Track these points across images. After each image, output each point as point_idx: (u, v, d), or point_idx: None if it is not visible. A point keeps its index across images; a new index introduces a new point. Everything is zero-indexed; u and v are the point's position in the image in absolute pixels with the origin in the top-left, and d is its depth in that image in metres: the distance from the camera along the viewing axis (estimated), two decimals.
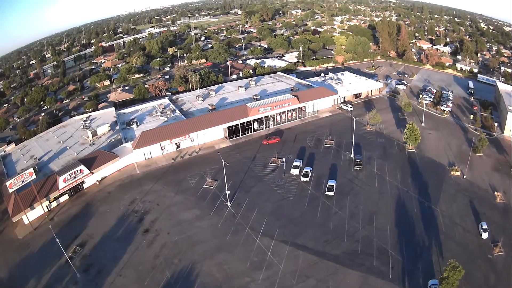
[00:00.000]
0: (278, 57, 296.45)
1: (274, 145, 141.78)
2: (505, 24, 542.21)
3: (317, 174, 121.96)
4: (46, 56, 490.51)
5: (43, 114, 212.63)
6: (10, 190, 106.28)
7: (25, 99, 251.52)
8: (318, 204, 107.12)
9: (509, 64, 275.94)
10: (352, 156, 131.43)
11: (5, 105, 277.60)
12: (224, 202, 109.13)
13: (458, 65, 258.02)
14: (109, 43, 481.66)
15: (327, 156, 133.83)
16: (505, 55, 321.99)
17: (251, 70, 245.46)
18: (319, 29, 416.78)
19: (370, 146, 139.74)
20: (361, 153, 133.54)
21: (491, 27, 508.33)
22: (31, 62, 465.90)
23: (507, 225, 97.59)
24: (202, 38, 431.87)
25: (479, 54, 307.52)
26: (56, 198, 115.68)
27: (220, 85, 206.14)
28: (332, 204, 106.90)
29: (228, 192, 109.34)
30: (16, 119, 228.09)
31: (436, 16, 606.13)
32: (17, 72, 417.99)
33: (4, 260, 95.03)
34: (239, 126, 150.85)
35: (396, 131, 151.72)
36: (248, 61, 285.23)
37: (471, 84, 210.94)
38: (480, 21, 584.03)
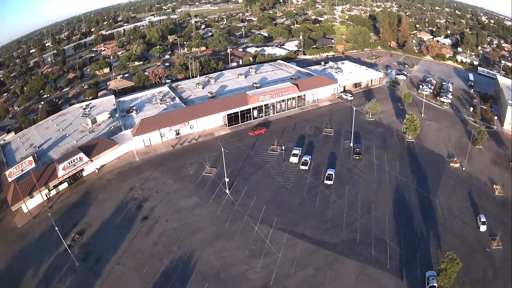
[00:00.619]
0: (278, 46, 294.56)
1: (273, 133, 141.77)
2: (506, 18, 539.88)
3: (316, 162, 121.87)
4: (46, 45, 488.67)
5: (42, 102, 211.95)
6: (10, 179, 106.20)
7: (25, 88, 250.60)
8: (317, 192, 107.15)
9: (509, 58, 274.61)
10: (351, 145, 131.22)
11: (5, 94, 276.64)
12: (223, 189, 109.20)
13: (459, 57, 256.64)
14: (109, 31, 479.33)
15: (326, 144, 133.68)
16: (506, 49, 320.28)
17: (251, 58, 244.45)
18: (320, 19, 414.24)
19: (370, 135, 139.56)
20: (361, 142, 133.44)
21: (492, 21, 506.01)
22: (31, 51, 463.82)
23: (506, 219, 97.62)
24: (203, 26, 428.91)
25: (479, 47, 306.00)
26: (55, 186, 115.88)
27: (220, 72, 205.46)
28: (331, 193, 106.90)
29: (227, 179, 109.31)
30: (16, 108, 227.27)
31: (437, 8, 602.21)
32: (17, 61, 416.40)
33: (3, 248, 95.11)
34: (239, 113, 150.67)
35: (395, 121, 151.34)
36: (248, 49, 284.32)
37: (471, 76, 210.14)
38: (481, 14, 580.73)
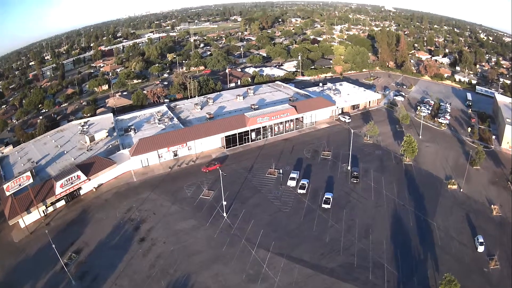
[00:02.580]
0: (277, 66, 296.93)
1: (271, 155, 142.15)
2: (505, 34, 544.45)
3: (314, 186, 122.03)
4: (46, 58, 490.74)
5: (41, 117, 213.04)
6: (7, 193, 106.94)
7: (24, 101, 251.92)
8: (315, 216, 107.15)
9: (508, 76, 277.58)
10: (349, 168, 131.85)
11: (4, 106, 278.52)
12: (220, 212, 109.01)
13: (457, 77, 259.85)
14: (109, 47, 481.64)
15: (324, 168, 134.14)
16: (504, 66, 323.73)
17: (249, 79, 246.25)
18: (318, 38, 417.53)
19: (367, 158, 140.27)
20: (358, 166, 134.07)
21: (491, 38, 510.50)
22: (30, 64, 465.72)
23: (503, 239, 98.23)
24: (201, 45, 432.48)
25: (478, 66, 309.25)
26: (52, 203, 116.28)
27: (218, 93, 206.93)
28: (328, 217, 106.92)
29: (224, 203, 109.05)
30: (14, 121, 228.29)
31: (435, 26, 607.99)
32: (16, 73, 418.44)
33: (0, 262, 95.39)
34: (237, 135, 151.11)
35: (393, 143, 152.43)
36: (246, 69, 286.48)
37: (469, 96, 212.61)
38: (480, 31, 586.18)
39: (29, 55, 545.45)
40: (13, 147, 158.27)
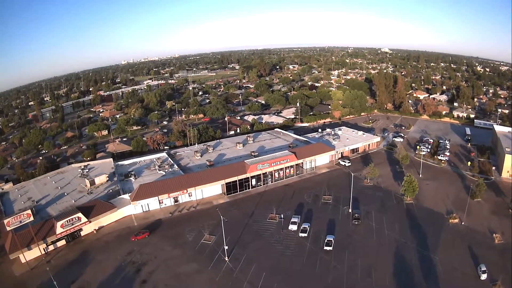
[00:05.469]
0: (276, 113, 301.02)
1: (272, 201, 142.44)
2: (502, 63, 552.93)
3: (315, 229, 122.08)
4: (45, 99, 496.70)
5: (41, 157, 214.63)
6: (8, 228, 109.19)
7: (24, 140, 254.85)
8: (317, 258, 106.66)
9: (505, 105, 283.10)
10: (350, 210, 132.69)
11: (3, 143, 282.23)
12: (222, 257, 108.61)
13: (455, 113, 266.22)
14: (108, 92, 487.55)
15: (325, 211, 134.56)
16: (502, 96, 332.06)
17: (248, 126, 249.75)
18: (316, 84, 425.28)
19: (368, 200, 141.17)
20: (359, 208, 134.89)
21: (488, 69, 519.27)
22: (29, 103, 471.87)
23: (506, 264, 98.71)
24: (200, 93, 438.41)
25: (475, 99, 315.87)
26: (53, 242, 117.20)
27: (218, 141, 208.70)
28: (330, 258, 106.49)
29: (226, 247, 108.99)
30: (14, 158, 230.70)
31: (432, 64, 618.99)
32: (16, 111, 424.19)
33: None
34: (237, 182, 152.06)
35: (394, 184, 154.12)
36: (245, 117, 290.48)
37: (468, 130, 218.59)
38: (476, 64, 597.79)
39: (28, 94, 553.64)
40: (13, 185, 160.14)
